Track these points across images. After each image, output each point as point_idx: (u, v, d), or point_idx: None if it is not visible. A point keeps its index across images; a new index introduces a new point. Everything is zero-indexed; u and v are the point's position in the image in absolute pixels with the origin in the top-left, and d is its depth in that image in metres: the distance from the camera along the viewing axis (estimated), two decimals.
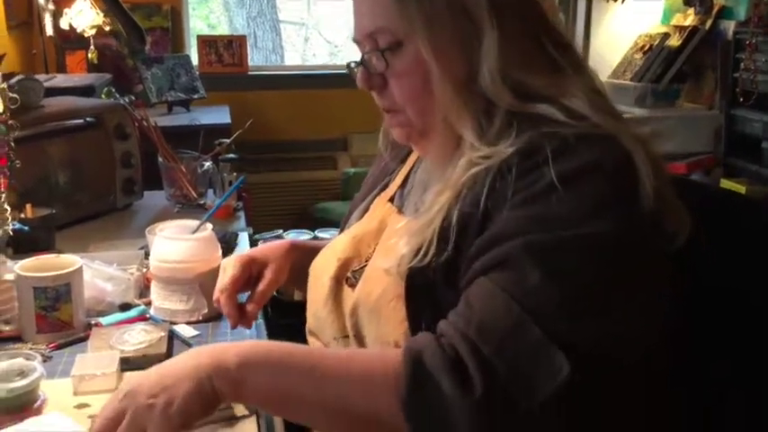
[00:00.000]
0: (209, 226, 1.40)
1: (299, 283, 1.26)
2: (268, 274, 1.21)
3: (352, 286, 1.07)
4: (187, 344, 1.27)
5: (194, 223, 1.40)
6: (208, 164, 2.13)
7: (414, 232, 0.97)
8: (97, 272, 1.42)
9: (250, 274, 1.20)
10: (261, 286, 1.20)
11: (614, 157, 0.90)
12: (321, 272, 1.14)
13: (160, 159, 2.12)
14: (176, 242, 1.35)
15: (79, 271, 1.29)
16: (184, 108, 3.56)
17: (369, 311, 1.01)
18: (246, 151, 2.52)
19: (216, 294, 1.18)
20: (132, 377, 0.91)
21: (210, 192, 2.16)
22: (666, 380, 0.98)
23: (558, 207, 0.88)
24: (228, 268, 1.19)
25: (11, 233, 1.30)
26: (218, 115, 3.41)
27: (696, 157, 3.11)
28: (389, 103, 1.04)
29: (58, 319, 1.27)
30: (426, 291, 0.94)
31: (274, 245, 1.26)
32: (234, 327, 1.18)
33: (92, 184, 1.98)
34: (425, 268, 0.93)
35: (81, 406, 1.07)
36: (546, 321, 0.83)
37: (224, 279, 1.18)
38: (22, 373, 1.01)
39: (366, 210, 1.20)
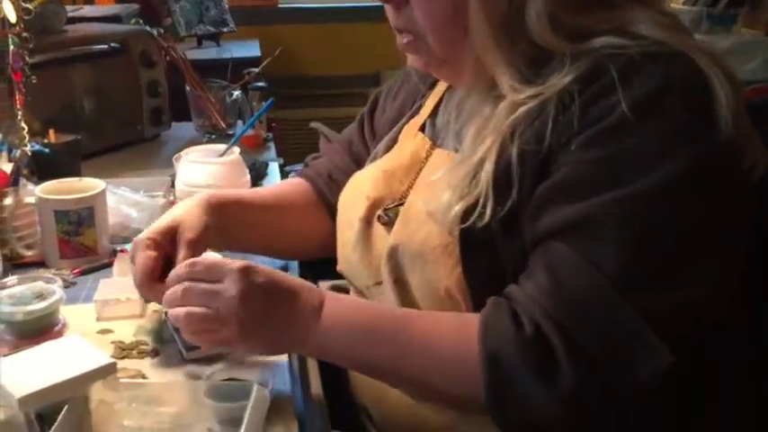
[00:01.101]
0: (237, 150, 1.33)
1: (228, 241, 1.13)
2: (183, 244, 0.99)
3: (387, 225, 0.98)
4: None
5: (222, 147, 1.33)
6: (237, 93, 2.05)
7: (457, 184, 0.87)
8: (122, 198, 1.37)
9: (165, 252, 0.98)
10: (178, 260, 0.97)
11: (688, 77, 0.80)
12: (349, 212, 1.05)
13: (188, 89, 2.05)
14: (203, 165, 1.28)
15: (102, 194, 1.23)
16: (214, 42, 3.46)
17: (412, 256, 0.91)
18: (276, 87, 2.45)
19: (137, 288, 0.99)
20: (248, 279, 0.85)
21: (240, 122, 2.09)
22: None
23: (633, 143, 0.79)
24: (137, 256, 0.97)
25: (29, 153, 1.24)
26: (248, 49, 3.31)
27: (753, 86, 2.93)
28: (406, 23, 0.91)
29: (82, 244, 1.22)
30: (483, 245, 0.85)
31: (186, 206, 1.05)
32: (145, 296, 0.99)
33: (118, 112, 1.91)
34: (477, 227, 0.84)
35: (104, 332, 1.02)
36: (638, 299, 0.77)
37: (135, 271, 0.97)
38: (41, 296, 0.96)
39: (395, 140, 1.09)
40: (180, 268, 0.88)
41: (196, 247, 0.99)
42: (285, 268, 1.25)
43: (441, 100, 1.06)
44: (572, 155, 0.81)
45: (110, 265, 1.21)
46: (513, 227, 0.84)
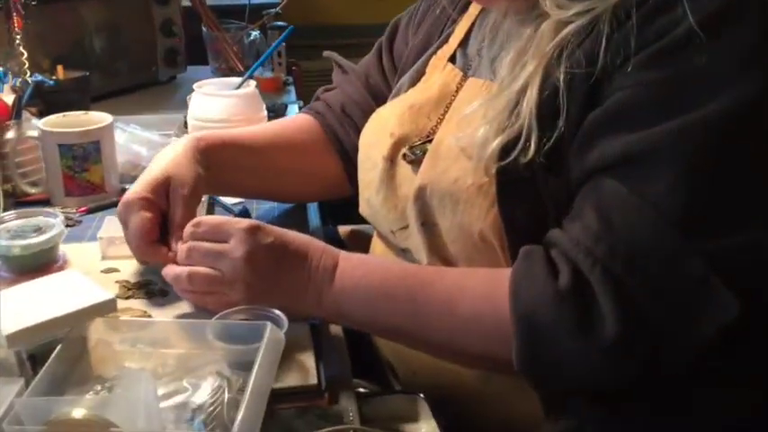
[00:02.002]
0: (253, 83, 1.24)
1: (223, 187, 1.07)
2: (177, 198, 0.90)
3: (413, 164, 0.89)
4: (230, 211, 1.14)
5: (237, 80, 1.24)
6: (255, 33, 1.96)
7: (494, 117, 0.78)
8: (132, 136, 1.29)
9: (159, 208, 0.90)
10: (175, 219, 0.89)
11: None
12: (371, 150, 0.96)
13: (204, 30, 1.96)
14: (217, 98, 1.20)
15: (109, 128, 1.16)
16: None
17: (442, 196, 0.83)
18: (299, 37, 2.36)
19: (133, 251, 0.91)
20: (255, 239, 0.81)
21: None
22: None
23: (700, 63, 0.69)
24: (130, 219, 0.88)
25: (30, 81, 1.16)
26: None
27: None
28: None
29: (88, 181, 1.14)
30: (523, 184, 0.77)
31: (174, 155, 0.95)
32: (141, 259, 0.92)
33: (131, 52, 1.83)
34: (520, 163, 0.76)
35: (108, 270, 0.95)
36: (701, 241, 0.68)
37: (130, 232, 0.89)
38: (40, 230, 0.89)
39: (421, 72, 0.99)
40: (186, 230, 0.84)
41: (191, 202, 0.91)
42: (304, 212, 1.17)
43: (472, 26, 0.96)
44: (628, 77, 0.71)
45: (118, 204, 1.13)
46: (558, 163, 0.75)
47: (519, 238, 0.78)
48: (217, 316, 0.76)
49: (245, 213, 1.11)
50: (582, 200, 0.74)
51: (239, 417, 0.61)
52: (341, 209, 1.23)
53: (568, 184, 0.76)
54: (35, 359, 0.70)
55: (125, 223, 0.89)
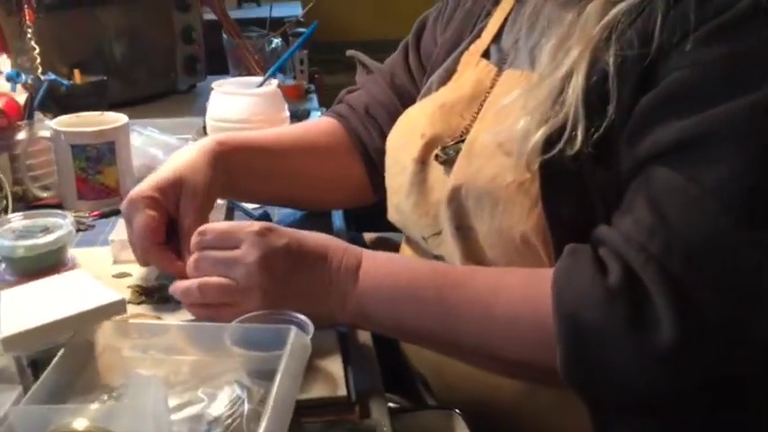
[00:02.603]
0: (275, 82, 1.18)
1: (240, 194, 1.01)
2: (187, 204, 0.85)
3: (446, 164, 0.82)
4: (250, 215, 1.07)
5: (258, 79, 1.19)
6: (276, 41, 1.91)
7: (536, 107, 0.72)
8: (148, 139, 1.24)
9: (165, 210, 0.84)
10: (184, 226, 0.83)
11: None
12: (399, 153, 0.90)
13: (225, 37, 1.91)
14: (237, 98, 1.14)
15: (125, 129, 1.10)
16: (254, 3, 3.35)
17: (479, 196, 0.76)
18: (320, 52, 2.33)
19: (135, 252, 0.85)
20: (268, 242, 0.74)
21: (279, 75, 1.95)
22: None
23: (765, 39, 0.64)
24: (134, 217, 0.83)
25: (42, 79, 1.11)
26: (289, 9, 3.19)
27: None
28: None
29: (102, 184, 1.09)
30: (569, 179, 0.70)
31: (190, 156, 0.89)
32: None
33: (150, 59, 1.79)
34: (566, 156, 0.69)
35: (121, 275, 0.89)
36: (759, 233, 0.62)
37: (133, 231, 0.83)
38: (47, 230, 0.83)
39: (452, 70, 0.93)
40: (192, 240, 0.77)
41: (204, 209, 0.86)
42: (328, 218, 1.10)
43: (506, 19, 0.90)
44: (686, 56, 0.65)
45: None
46: (607, 154, 0.69)
47: (565, 239, 0.71)
48: (236, 321, 0.69)
49: (265, 218, 1.05)
50: (633, 192, 0.68)
51: (262, 429, 0.53)
52: (365, 217, 1.17)
53: (618, 177, 0.69)
54: (37, 366, 0.63)
55: (129, 221, 0.84)
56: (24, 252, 0.80)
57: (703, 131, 0.64)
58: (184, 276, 0.78)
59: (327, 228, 1.07)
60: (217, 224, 0.80)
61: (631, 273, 0.63)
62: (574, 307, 0.65)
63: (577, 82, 0.69)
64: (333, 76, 3.65)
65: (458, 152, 0.82)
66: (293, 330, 0.64)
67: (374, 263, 0.76)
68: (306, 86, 1.89)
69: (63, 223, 0.84)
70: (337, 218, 1.13)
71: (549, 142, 0.70)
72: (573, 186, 0.70)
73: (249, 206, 1.08)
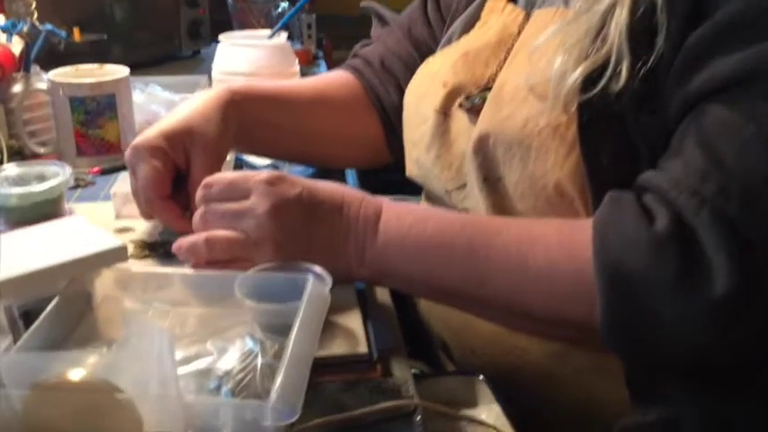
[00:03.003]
0: (285, 34, 1.12)
1: (252, 147, 0.96)
2: (197, 156, 0.80)
3: (471, 112, 0.77)
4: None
5: (266, 32, 1.12)
6: (283, 5, 1.84)
7: (574, 44, 0.66)
8: (151, 96, 1.17)
9: (172, 162, 0.80)
10: (194, 178, 0.79)
11: None
12: (420, 105, 0.84)
13: (230, 1, 1.85)
14: (245, 49, 1.08)
15: (125, 81, 1.04)
16: None
17: (508, 145, 0.71)
18: (327, 27, 2.27)
19: (139, 204, 0.81)
20: (279, 191, 0.69)
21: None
22: None
23: None
24: (138, 166, 0.78)
25: (39, 28, 1.05)
26: None
27: None
28: None
29: (102, 140, 1.03)
30: (610, 121, 0.64)
31: (202, 104, 0.84)
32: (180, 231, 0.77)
33: (153, 22, 1.72)
34: (609, 94, 0.63)
35: (123, 230, 0.83)
36: None
37: (138, 182, 0.78)
38: (42, 178, 0.77)
39: (476, 17, 0.87)
40: (197, 193, 0.72)
41: (215, 161, 0.81)
42: (341, 177, 1.05)
43: None
44: None
45: None
46: (653, 92, 0.63)
47: (604, 186, 0.64)
48: (249, 271, 0.64)
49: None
50: (683, 133, 0.62)
51: (277, 384, 0.48)
52: (376, 180, 1.11)
53: (665, 118, 0.63)
54: (29, 317, 0.57)
55: (133, 171, 0.78)
56: (17, 200, 0.74)
57: (763, 65, 0.58)
58: (190, 233, 0.72)
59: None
60: (223, 174, 0.74)
61: (681, 219, 0.58)
62: (617, 257, 0.59)
63: (621, 15, 0.64)
64: (341, 51, 3.58)
65: (484, 100, 0.76)
66: (311, 279, 0.58)
67: (396, 212, 0.70)
68: (314, 52, 1.83)
69: (60, 171, 0.78)
70: (350, 178, 1.08)
71: (590, 80, 0.64)
72: (614, 129, 0.64)
73: (258, 162, 1.02)
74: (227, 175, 0.74)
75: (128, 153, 0.79)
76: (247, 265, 0.67)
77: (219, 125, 0.82)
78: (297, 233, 0.68)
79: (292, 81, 1.02)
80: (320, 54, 1.86)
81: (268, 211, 0.67)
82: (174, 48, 1.78)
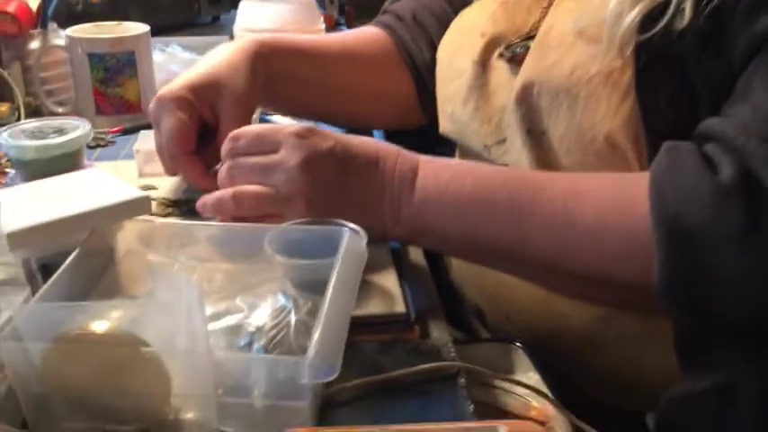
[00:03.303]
0: None
1: (280, 103, 0.92)
2: (225, 108, 0.77)
3: (513, 62, 0.72)
4: None
5: None
6: None
7: None
8: (171, 56, 1.14)
9: (198, 115, 0.76)
10: (222, 132, 0.74)
11: None
12: (455, 57, 0.79)
13: None
14: (269, 5, 1.04)
15: (146, 38, 1.00)
16: None
17: (554, 94, 0.66)
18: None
19: (162, 160, 0.77)
20: (310, 144, 0.64)
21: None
22: None
23: None
24: (163, 118, 0.75)
25: None
26: None
27: None
28: None
29: (122, 98, 0.99)
30: (670, 65, 0.60)
31: (229, 55, 0.81)
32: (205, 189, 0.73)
33: None
34: (671, 33, 0.59)
35: (146, 188, 0.79)
36: None
37: (162, 136, 0.75)
38: (61, 132, 0.73)
39: None
40: (223, 147, 0.67)
41: (245, 115, 0.77)
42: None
43: None
44: None
45: None
46: (717, 32, 0.58)
47: (661, 136, 0.60)
48: (283, 224, 0.60)
49: None
50: (749, 77, 0.57)
51: (315, 340, 0.44)
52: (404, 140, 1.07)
53: (730, 61, 0.58)
54: (48, 271, 0.54)
55: (157, 124, 0.75)
56: (35, 153, 0.71)
57: None
58: (215, 190, 0.69)
59: None
60: (251, 127, 0.70)
61: (748, 169, 0.53)
62: (676, 209, 0.55)
63: None
64: (361, 22, 3.53)
65: (527, 49, 0.71)
66: (347, 232, 0.54)
67: (433, 168, 0.66)
68: (336, 18, 1.78)
69: (79, 125, 0.75)
70: (378, 136, 1.03)
71: (650, 19, 0.59)
72: (673, 72, 0.59)
73: (284, 122, 0.98)
74: (256, 126, 0.71)
75: (152, 105, 0.75)
76: (277, 221, 0.63)
77: (248, 77, 0.78)
78: (329, 188, 0.64)
79: (322, 36, 0.98)
80: (342, 20, 1.80)
81: (299, 164, 0.63)
82: (193, 13, 1.74)
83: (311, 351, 0.43)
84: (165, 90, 0.75)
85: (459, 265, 0.84)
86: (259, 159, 0.65)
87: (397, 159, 0.67)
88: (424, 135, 0.99)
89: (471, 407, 0.51)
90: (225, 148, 0.68)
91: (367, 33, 0.97)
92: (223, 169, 0.67)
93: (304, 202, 0.63)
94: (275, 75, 0.84)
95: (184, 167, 0.74)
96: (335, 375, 0.43)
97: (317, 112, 0.96)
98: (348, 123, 1.00)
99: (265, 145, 0.66)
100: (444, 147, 1.22)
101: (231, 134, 0.68)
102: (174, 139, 0.73)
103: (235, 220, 0.65)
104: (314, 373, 0.43)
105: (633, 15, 0.60)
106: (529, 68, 0.69)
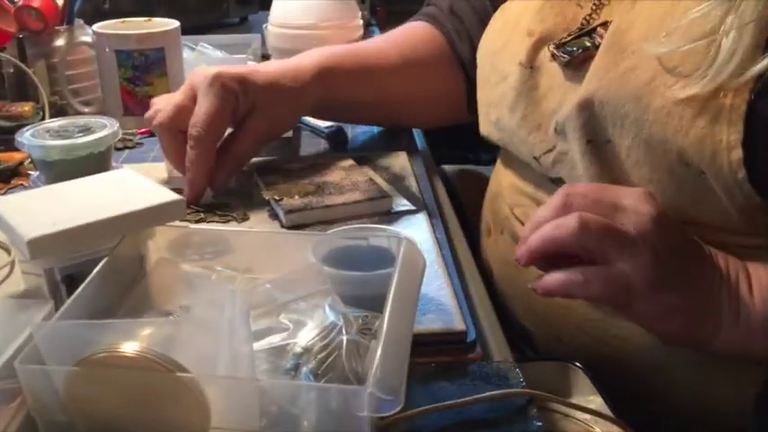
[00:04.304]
0: None
1: (333, 114, 0.89)
2: (256, 120, 0.75)
3: (571, 66, 0.66)
4: (319, 133, 0.92)
5: None
6: None
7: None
8: (202, 55, 1.09)
9: (235, 107, 0.74)
10: (240, 138, 0.75)
11: None
12: (498, 58, 0.73)
13: None
14: (303, 0, 0.98)
15: (176, 34, 0.95)
16: None
17: (622, 102, 0.59)
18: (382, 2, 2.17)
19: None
20: (659, 206, 0.55)
21: None
22: None
23: None
24: (209, 94, 0.72)
25: None
26: None
27: None
28: None
29: (151, 97, 0.92)
30: None
31: (291, 66, 0.80)
32: (194, 197, 0.71)
33: None
34: None
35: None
36: None
37: (202, 112, 0.72)
38: (87, 130, 0.68)
39: None
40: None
41: (266, 132, 0.78)
42: (409, 136, 0.95)
43: None
44: None
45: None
46: None
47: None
48: (328, 232, 0.54)
49: (339, 135, 0.90)
50: None
51: (375, 365, 0.38)
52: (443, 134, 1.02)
53: None
54: (74, 282, 0.49)
55: (196, 97, 0.72)
56: (60, 154, 0.65)
57: None
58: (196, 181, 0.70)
59: (410, 144, 0.92)
60: (586, 186, 0.60)
61: None
62: None
63: None
64: (390, 27, 3.48)
65: (584, 49, 0.65)
66: (404, 240, 0.49)
67: (765, 271, 0.57)
68: (368, 18, 1.73)
69: (106, 123, 0.70)
70: (417, 135, 0.98)
71: None
72: None
73: (319, 124, 0.93)
74: (590, 186, 0.60)
75: (202, 79, 0.72)
76: (608, 272, 0.54)
77: (293, 109, 0.79)
78: (676, 252, 0.55)
79: (379, 43, 0.92)
80: (373, 21, 1.75)
81: (651, 213, 0.54)
82: (221, 13, 1.70)
83: (372, 378, 0.38)
84: (223, 70, 0.72)
85: (504, 282, 0.77)
86: (609, 197, 0.56)
87: (726, 256, 0.58)
88: (464, 135, 0.94)
89: None
90: (557, 201, 0.57)
91: (419, 32, 0.92)
92: (559, 196, 0.57)
93: (651, 252, 0.53)
94: (330, 98, 0.82)
95: (200, 153, 0.70)
96: (400, 406, 0.38)
97: (367, 121, 0.94)
98: (396, 126, 0.95)
99: (605, 198, 0.56)
100: (485, 152, 1.17)
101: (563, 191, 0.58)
102: (210, 121, 0.70)
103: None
104: (375, 404, 0.37)
105: (758, 69, 0.53)
106: (599, 73, 0.62)
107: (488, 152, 1.12)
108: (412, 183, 0.79)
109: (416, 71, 0.89)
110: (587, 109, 0.62)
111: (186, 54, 1.05)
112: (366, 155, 0.85)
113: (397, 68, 0.88)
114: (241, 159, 0.76)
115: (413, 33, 0.93)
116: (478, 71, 0.78)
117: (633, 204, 0.54)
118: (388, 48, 0.92)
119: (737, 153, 0.54)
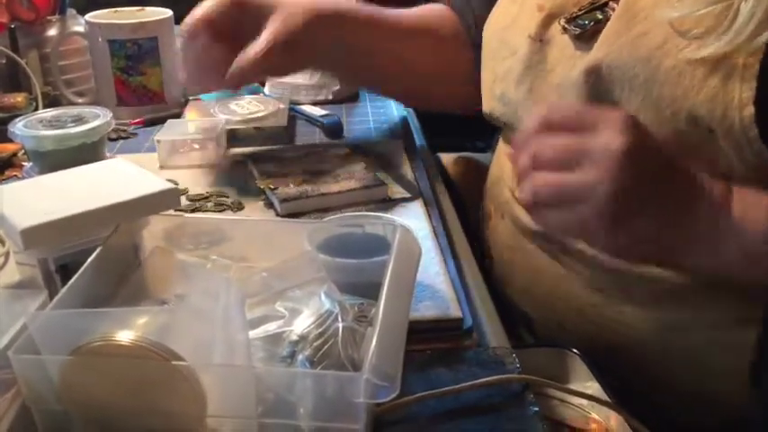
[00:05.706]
0: None
1: (346, 70, 0.88)
2: (274, 22, 0.76)
3: (582, 39, 0.65)
4: (315, 122, 0.92)
5: None
6: None
7: None
8: None
9: (240, 22, 0.77)
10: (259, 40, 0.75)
11: None
12: (507, 33, 0.73)
13: None
14: None
15: (169, 23, 0.95)
16: None
17: (632, 65, 0.59)
18: None
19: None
20: (638, 132, 0.54)
21: None
22: None
23: None
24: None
25: None
26: None
27: None
28: None
29: (144, 87, 0.94)
30: None
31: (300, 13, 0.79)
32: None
33: None
34: None
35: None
36: None
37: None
38: (80, 120, 0.68)
39: None
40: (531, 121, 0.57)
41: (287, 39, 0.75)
42: (407, 130, 0.95)
43: None
44: None
45: (179, 116, 0.92)
46: None
47: None
48: (324, 219, 0.54)
49: (336, 125, 0.90)
50: None
51: (371, 351, 0.38)
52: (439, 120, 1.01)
53: None
54: (68, 272, 0.49)
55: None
56: (53, 144, 0.65)
57: None
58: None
59: (407, 136, 0.92)
60: (565, 102, 0.63)
61: None
62: None
63: None
64: None
65: (596, 22, 0.65)
66: (399, 227, 0.49)
67: (746, 190, 0.56)
68: None
69: (99, 113, 0.69)
70: (414, 127, 0.98)
71: None
72: None
73: (315, 112, 0.92)
74: (571, 103, 0.62)
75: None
76: (567, 213, 0.54)
77: (312, 28, 0.77)
78: (646, 182, 0.54)
79: (393, 9, 0.92)
80: None
81: (621, 149, 0.53)
82: None
83: (368, 364, 0.37)
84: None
85: (504, 268, 0.77)
86: (574, 137, 0.55)
87: (709, 179, 0.57)
88: (460, 123, 0.93)
89: (543, 426, 0.45)
90: (533, 119, 0.57)
91: (434, 9, 0.91)
92: (523, 138, 0.57)
93: (613, 193, 0.53)
94: (347, 38, 0.80)
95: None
96: (396, 394, 0.38)
97: (377, 87, 0.92)
98: (404, 100, 0.95)
99: (583, 122, 0.55)
100: (480, 140, 1.16)
101: (543, 108, 0.59)
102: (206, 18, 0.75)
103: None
104: (371, 390, 0.37)
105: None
106: (609, 39, 0.62)
107: (484, 140, 1.12)
108: (407, 170, 0.79)
109: (430, 42, 0.87)
110: (594, 73, 0.62)
111: (179, 43, 1.04)
112: (361, 143, 0.85)
113: (411, 30, 0.86)
114: (257, 61, 0.75)
115: (425, 8, 0.92)
116: (483, 48, 0.78)
117: (604, 143, 0.53)
118: (400, 12, 0.91)
119: (749, 110, 0.54)
